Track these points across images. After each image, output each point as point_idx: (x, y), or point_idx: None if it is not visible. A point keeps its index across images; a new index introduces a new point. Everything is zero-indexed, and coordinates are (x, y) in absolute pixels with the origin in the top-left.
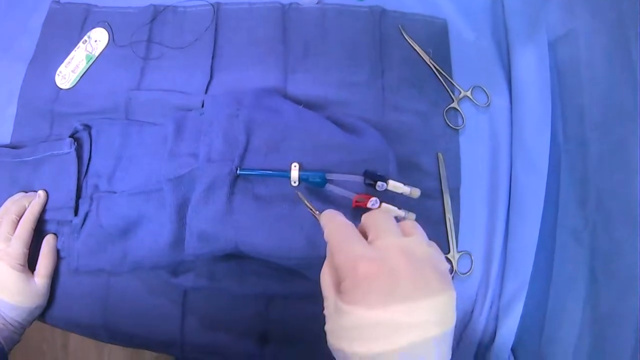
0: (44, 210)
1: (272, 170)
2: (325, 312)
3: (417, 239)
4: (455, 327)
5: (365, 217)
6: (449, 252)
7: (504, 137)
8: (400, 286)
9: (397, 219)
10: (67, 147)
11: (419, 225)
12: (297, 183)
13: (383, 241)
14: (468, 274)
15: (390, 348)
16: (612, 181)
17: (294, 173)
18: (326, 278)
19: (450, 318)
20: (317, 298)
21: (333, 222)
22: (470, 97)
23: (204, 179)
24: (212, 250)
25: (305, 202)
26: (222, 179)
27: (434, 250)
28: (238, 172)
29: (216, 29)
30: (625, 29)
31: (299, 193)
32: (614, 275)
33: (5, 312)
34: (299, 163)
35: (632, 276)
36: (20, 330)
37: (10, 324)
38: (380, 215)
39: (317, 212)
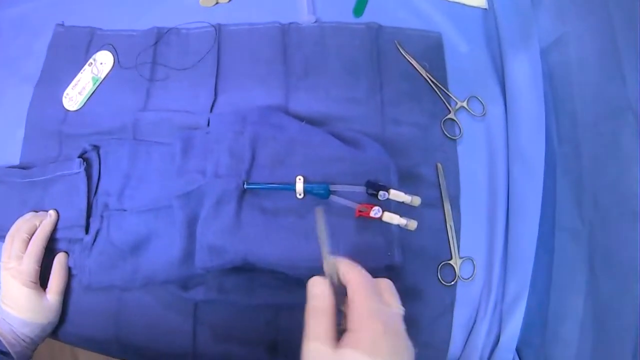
0: (55, 229)
1: (278, 184)
2: (313, 354)
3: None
4: (461, 330)
5: (378, 281)
6: (451, 258)
7: (500, 144)
8: (401, 346)
9: (399, 227)
10: (77, 167)
11: None
12: (302, 195)
13: (393, 305)
14: (471, 279)
15: None
16: (605, 178)
17: (299, 186)
18: (322, 322)
19: None
20: None
21: (361, 274)
22: (467, 107)
23: (212, 194)
24: (222, 263)
25: (322, 227)
26: (229, 193)
27: None
28: (245, 186)
29: (219, 50)
30: (612, 30)
31: (320, 213)
32: (613, 269)
33: (17, 328)
34: (303, 176)
35: (631, 268)
36: (32, 347)
37: (23, 339)
38: (390, 283)
39: (328, 245)
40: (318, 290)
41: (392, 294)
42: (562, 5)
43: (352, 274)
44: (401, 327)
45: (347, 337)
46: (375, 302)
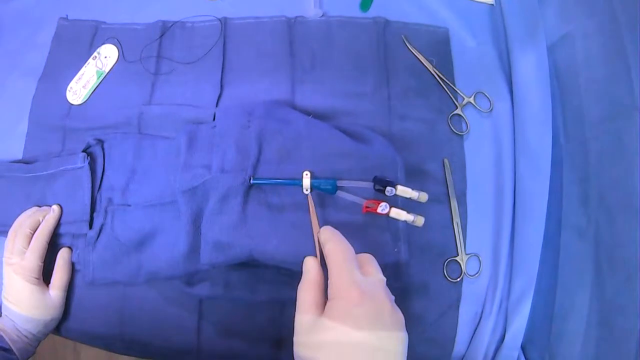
0: (58, 224)
1: (285, 179)
2: (298, 325)
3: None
4: (467, 327)
5: (359, 255)
6: (457, 254)
7: (507, 140)
8: (384, 317)
9: (406, 223)
10: (81, 162)
11: None
12: (309, 191)
13: (373, 275)
14: (477, 275)
15: None
16: (611, 176)
17: (306, 181)
18: (308, 295)
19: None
20: None
21: (338, 242)
22: (473, 103)
23: (218, 189)
24: (227, 259)
25: (312, 209)
26: (235, 188)
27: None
28: (251, 181)
29: (224, 44)
30: (618, 28)
31: (310, 198)
32: (617, 266)
33: (20, 324)
34: (310, 171)
35: (636, 266)
36: (34, 343)
37: (25, 336)
38: (371, 256)
39: (319, 224)
40: (306, 266)
41: (373, 266)
42: (566, 3)
43: (330, 244)
44: (382, 293)
45: (326, 307)
46: (351, 271)
